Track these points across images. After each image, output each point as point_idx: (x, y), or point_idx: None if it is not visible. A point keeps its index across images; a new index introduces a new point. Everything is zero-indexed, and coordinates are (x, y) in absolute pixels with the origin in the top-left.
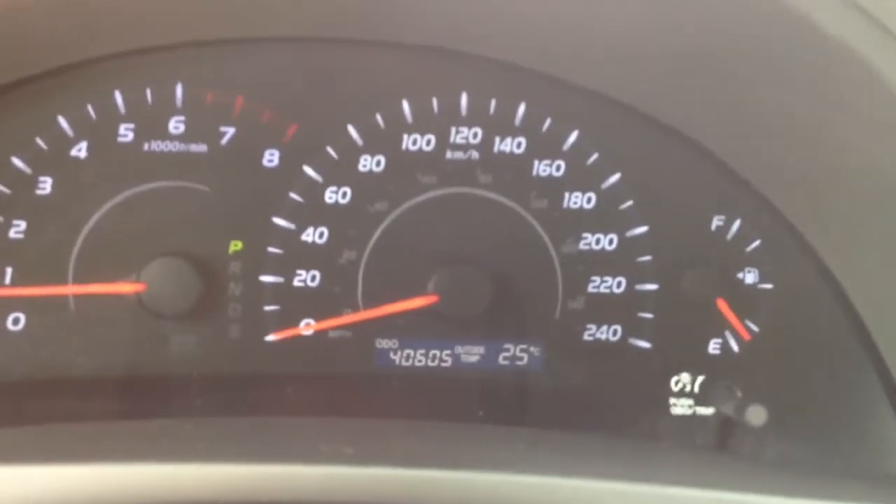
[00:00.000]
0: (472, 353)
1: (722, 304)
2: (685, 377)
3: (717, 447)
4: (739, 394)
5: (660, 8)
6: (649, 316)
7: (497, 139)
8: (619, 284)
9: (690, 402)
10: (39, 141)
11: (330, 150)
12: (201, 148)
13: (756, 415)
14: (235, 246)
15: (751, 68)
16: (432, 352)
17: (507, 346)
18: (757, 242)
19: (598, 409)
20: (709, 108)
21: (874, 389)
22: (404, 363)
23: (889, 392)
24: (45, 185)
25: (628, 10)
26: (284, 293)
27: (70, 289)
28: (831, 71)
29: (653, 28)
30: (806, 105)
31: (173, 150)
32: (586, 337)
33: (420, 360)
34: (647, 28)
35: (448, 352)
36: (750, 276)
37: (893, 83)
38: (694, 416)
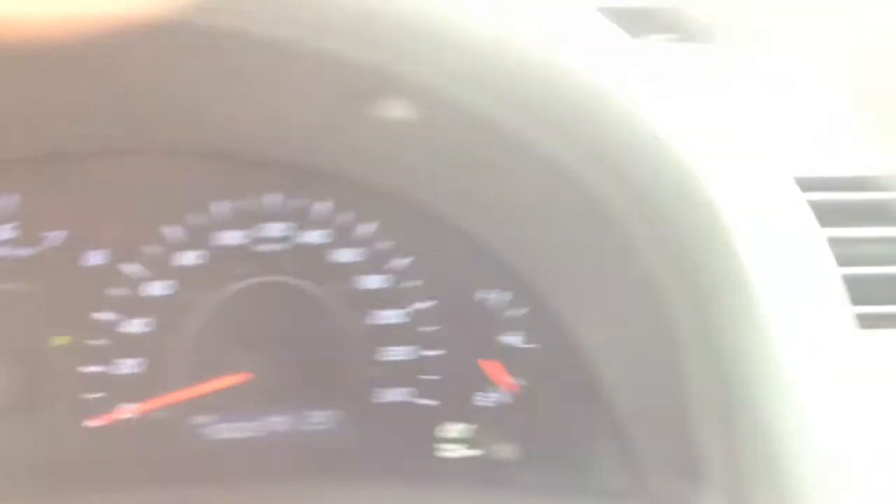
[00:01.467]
0: (282, 423)
1: (494, 364)
2: (462, 427)
3: (483, 482)
4: (505, 437)
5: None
6: (435, 378)
7: (302, 232)
8: (408, 353)
9: (465, 446)
10: None
11: (146, 248)
12: (26, 251)
13: (511, 452)
14: (58, 340)
15: (497, 165)
16: (246, 424)
17: (313, 413)
18: (519, 309)
19: (390, 460)
20: (468, 200)
21: (602, 424)
22: (221, 436)
23: (608, 425)
24: None
25: (396, 121)
26: (105, 381)
27: None
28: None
29: (421, 133)
30: (540, 191)
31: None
32: (381, 400)
33: (235, 433)
34: (413, 132)
35: (260, 423)
36: (514, 339)
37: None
38: (466, 458)
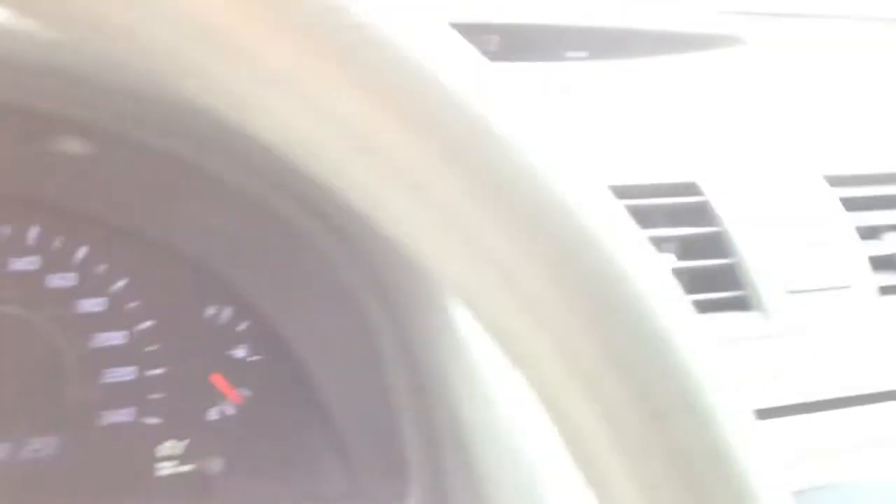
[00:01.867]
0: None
1: (219, 378)
2: (184, 444)
3: (198, 497)
4: (224, 450)
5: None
6: (159, 396)
7: (11, 260)
8: (130, 373)
9: (180, 463)
10: None
11: None
12: None
13: (227, 464)
14: None
15: (190, 194)
16: None
17: (31, 440)
18: (241, 324)
19: (110, 481)
20: (175, 224)
21: (320, 432)
22: None
23: (326, 432)
24: None
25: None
26: None
27: None
28: None
29: (109, 166)
30: (238, 216)
31: None
32: (103, 422)
33: None
34: (101, 165)
35: None
36: (237, 352)
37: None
38: (186, 473)
